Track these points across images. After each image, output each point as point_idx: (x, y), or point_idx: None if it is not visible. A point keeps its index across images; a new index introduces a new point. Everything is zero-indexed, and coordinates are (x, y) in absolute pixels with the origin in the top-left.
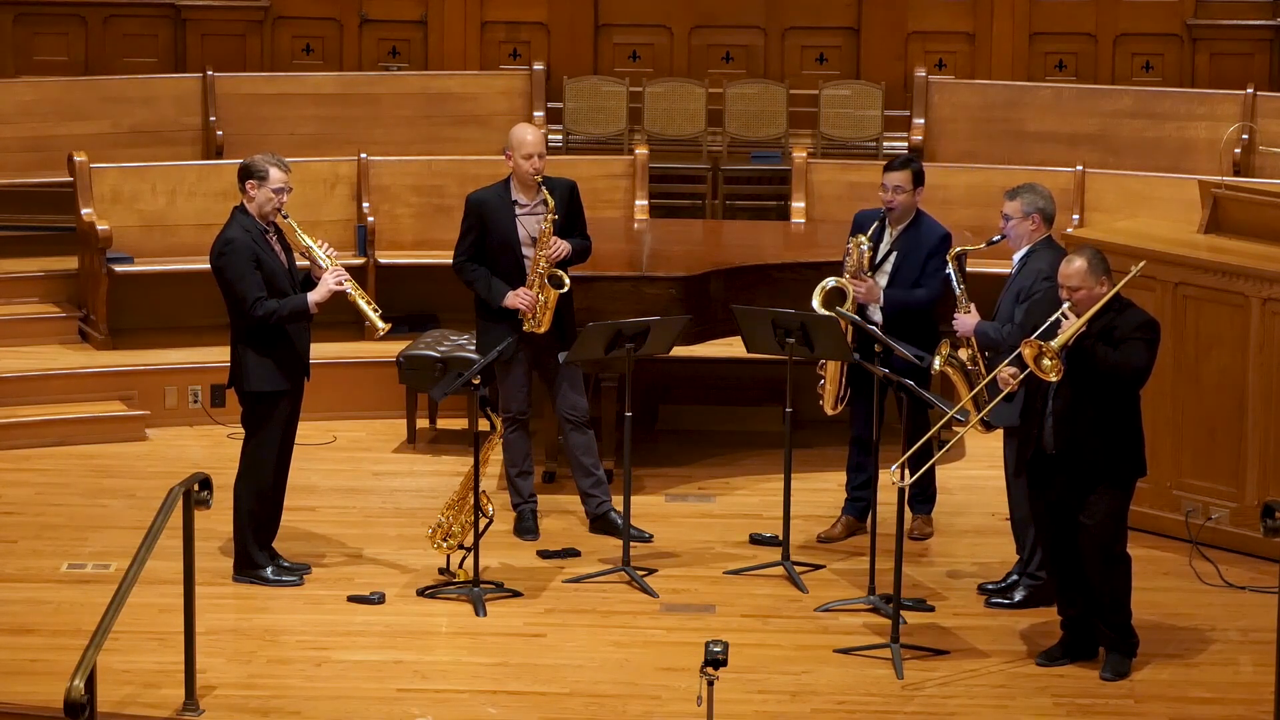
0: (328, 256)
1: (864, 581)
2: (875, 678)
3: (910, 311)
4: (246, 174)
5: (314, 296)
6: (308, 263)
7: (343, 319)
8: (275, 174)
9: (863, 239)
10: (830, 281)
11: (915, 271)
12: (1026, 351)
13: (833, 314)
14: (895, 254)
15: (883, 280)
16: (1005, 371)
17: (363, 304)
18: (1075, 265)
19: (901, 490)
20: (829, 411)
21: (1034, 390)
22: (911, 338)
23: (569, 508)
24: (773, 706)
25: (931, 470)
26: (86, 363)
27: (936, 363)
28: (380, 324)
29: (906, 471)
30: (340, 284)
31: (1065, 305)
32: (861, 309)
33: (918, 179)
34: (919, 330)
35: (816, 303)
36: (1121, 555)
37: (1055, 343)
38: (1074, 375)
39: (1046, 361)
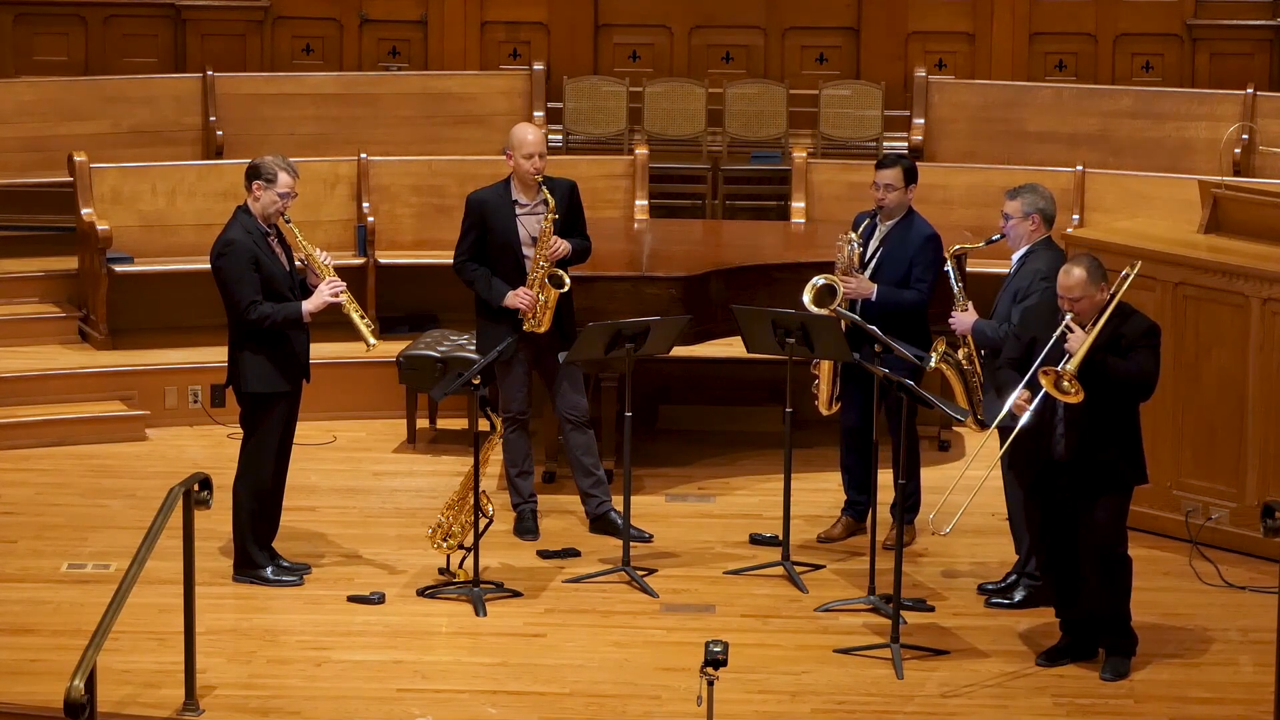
0: (325, 266)
1: (864, 581)
2: (875, 678)
3: (902, 311)
4: (255, 174)
5: (308, 306)
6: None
7: (344, 319)
8: (284, 178)
9: (853, 235)
10: (820, 279)
11: (899, 269)
12: (1044, 381)
13: (832, 314)
14: (881, 249)
15: (867, 275)
16: (1021, 397)
17: (356, 317)
18: (1075, 276)
19: (900, 487)
20: (824, 411)
21: (1043, 400)
22: (900, 335)
23: (569, 508)
24: (773, 706)
25: (918, 479)
26: (86, 363)
27: (932, 360)
28: (370, 340)
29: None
30: (336, 295)
31: (1068, 317)
32: (851, 304)
33: (909, 176)
34: (910, 332)
35: (807, 299)
36: (1122, 557)
37: (1071, 365)
38: (1085, 386)
39: (1066, 384)
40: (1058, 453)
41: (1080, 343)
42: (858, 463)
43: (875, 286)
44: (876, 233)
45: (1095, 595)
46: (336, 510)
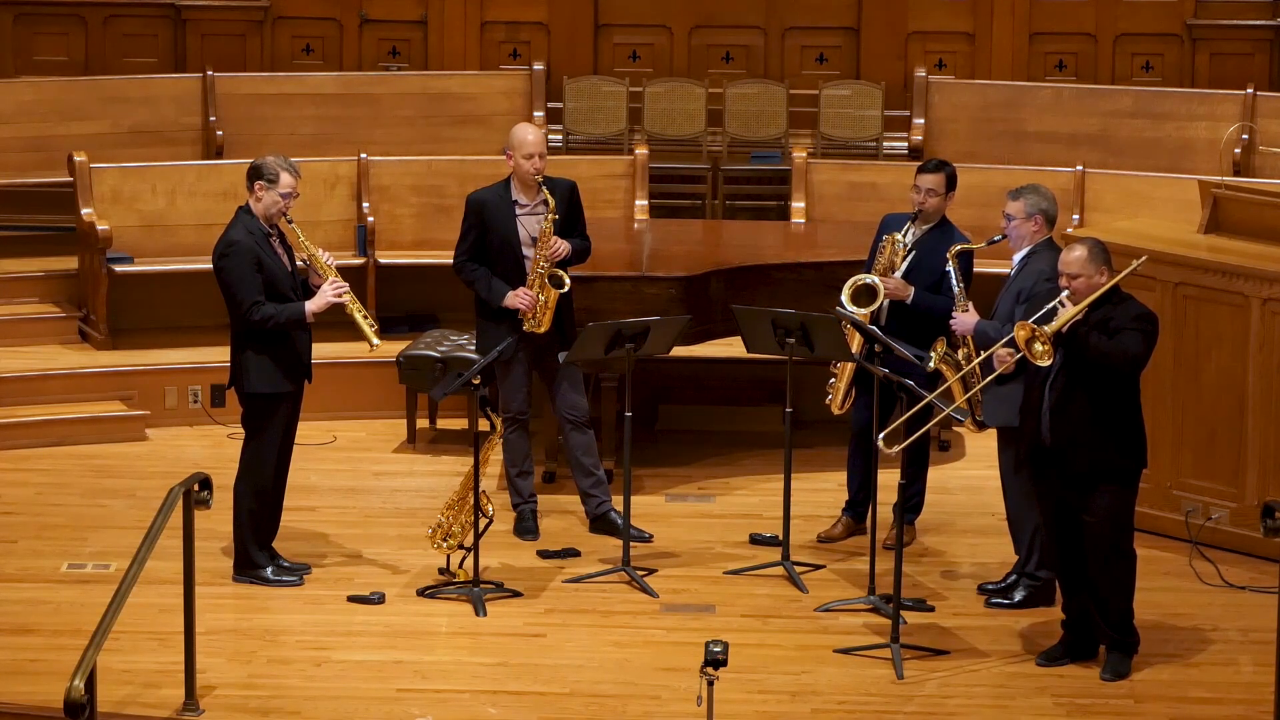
0: (328, 266)
1: (864, 581)
2: (875, 678)
3: (932, 316)
4: (257, 175)
5: (312, 306)
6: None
7: (344, 319)
8: (285, 179)
9: (898, 237)
10: (864, 278)
11: (930, 275)
12: (1020, 334)
13: (830, 314)
14: (914, 253)
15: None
16: (1001, 351)
17: (359, 317)
18: (1075, 253)
19: (900, 488)
20: (835, 410)
21: (1032, 384)
22: (925, 341)
23: (569, 508)
24: (773, 706)
25: (923, 481)
26: (86, 363)
27: (932, 360)
28: (373, 340)
29: (895, 445)
30: (339, 295)
31: (1063, 294)
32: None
33: (950, 183)
34: (934, 335)
35: (845, 296)
36: (1126, 552)
37: (1049, 328)
38: (1069, 366)
39: (1038, 346)
40: (1044, 437)
41: (1067, 313)
42: (861, 463)
43: (913, 289)
44: (909, 235)
45: (1097, 591)
46: (336, 510)
